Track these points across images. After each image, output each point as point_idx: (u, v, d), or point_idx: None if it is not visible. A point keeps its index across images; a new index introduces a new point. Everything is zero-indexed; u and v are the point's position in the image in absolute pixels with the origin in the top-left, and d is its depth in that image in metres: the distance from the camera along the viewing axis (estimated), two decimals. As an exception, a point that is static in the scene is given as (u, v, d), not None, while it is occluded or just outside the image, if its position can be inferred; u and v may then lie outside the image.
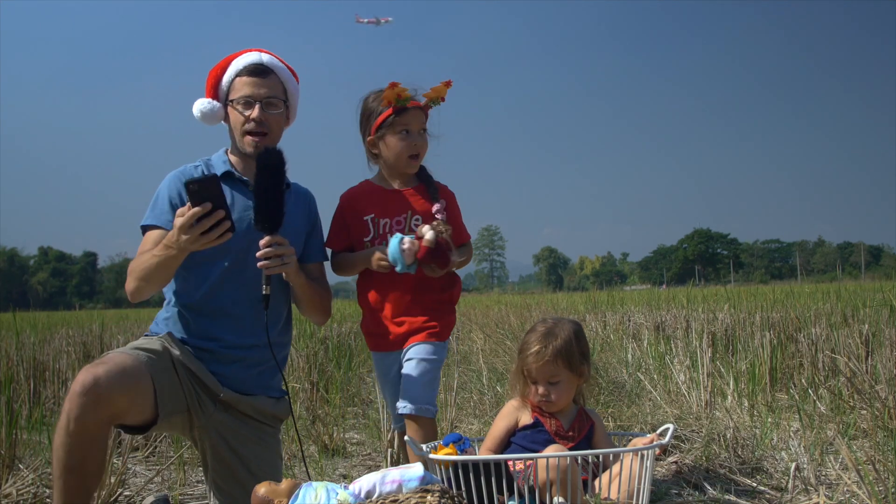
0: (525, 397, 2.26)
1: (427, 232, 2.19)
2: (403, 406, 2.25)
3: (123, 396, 1.81)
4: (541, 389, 2.20)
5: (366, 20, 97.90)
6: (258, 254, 2.01)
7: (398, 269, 2.18)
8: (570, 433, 2.22)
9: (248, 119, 2.16)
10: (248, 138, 2.17)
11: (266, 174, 2.02)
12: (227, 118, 2.24)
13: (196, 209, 1.80)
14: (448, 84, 2.36)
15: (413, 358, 2.30)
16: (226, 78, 2.21)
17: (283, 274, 2.09)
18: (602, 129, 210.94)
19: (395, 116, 2.32)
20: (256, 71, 2.19)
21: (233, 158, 2.26)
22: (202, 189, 1.78)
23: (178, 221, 1.85)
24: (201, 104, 2.20)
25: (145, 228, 2.14)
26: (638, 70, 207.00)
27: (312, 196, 2.38)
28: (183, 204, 2.10)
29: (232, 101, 2.19)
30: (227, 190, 2.15)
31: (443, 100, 2.37)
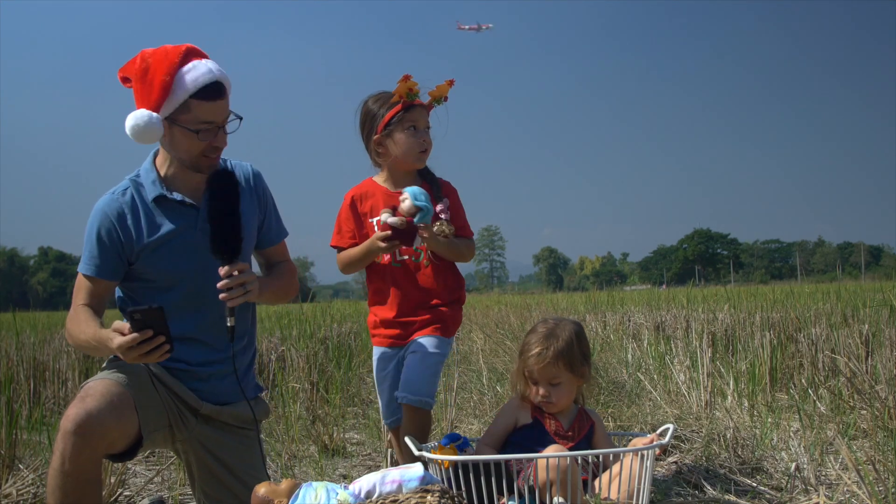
0: (525, 398, 2.26)
1: (388, 218, 2.27)
2: (403, 396, 2.28)
3: (115, 427, 1.78)
4: (541, 390, 2.20)
5: (467, 27, 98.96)
6: (219, 285, 1.91)
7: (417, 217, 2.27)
8: (570, 433, 2.22)
9: (208, 145, 1.99)
10: (206, 160, 2.01)
11: (219, 200, 1.93)
12: (166, 134, 1.98)
13: (136, 336, 1.74)
14: (451, 83, 2.39)
15: (417, 351, 2.33)
16: (176, 96, 1.92)
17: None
18: (602, 129, 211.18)
19: (404, 113, 2.36)
20: (216, 93, 1.96)
21: (165, 174, 2.06)
22: (144, 318, 1.75)
23: (118, 341, 1.74)
24: (140, 118, 1.90)
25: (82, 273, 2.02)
26: (638, 70, 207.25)
27: (258, 173, 2.20)
28: (112, 241, 2.01)
29: (185, 124, 1.95)
30: (162, 215, 2.04)
31: (445, 99, 2.41)
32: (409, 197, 2.28)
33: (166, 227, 2.04)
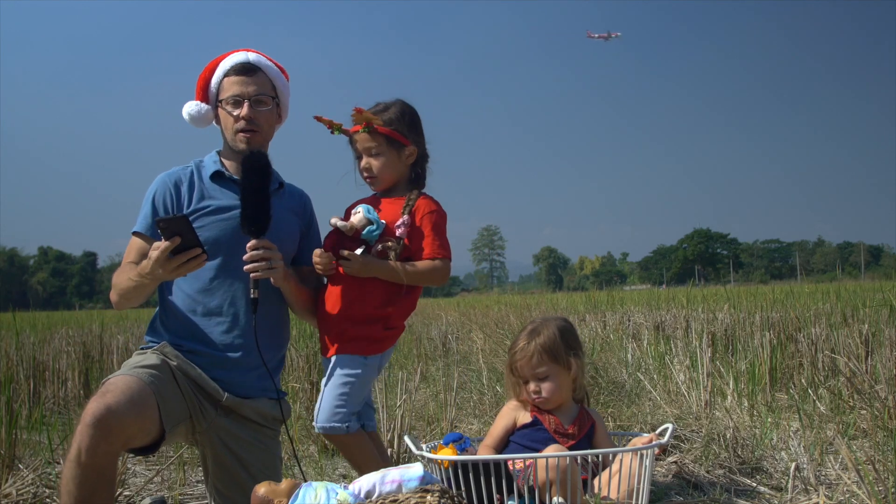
0: (519, 397, 2.26)
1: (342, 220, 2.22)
2: (315, 424, 2.17)
3: (134, 422, 1.81)
4: (531, 386, 2.21)
5: (597, 35, 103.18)
6: (245, 257, 2.03)
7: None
8: (570, 431, 2.22)
9: (237, 118, 2.16)
10: (240, 135, 2.16)
11: (251, 177, 2.04)
12: (217, 119, 2.24)
13: (166, 244, 1.87)
14: (356, 110, 2.23)
15: (330, 374, 2.19)
16: (214, 79, 2.21)
17: (271, 279, 2.07)
18: (602, 128, 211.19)
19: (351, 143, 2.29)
20: (244, 69, 2.19)
21: (225, 161, 2.25)
22: (171, 226, 1.87)
23: (153, 255, 1.89)
24: (189, 107, 2.21)
25: (134, 233, 2.17)
26: (638, 70, 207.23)
27: (307, 197, 2.37)
28: (164, 204, 2.16)
29: (221, 101, 2.19)
30: (217, 189, 2.20)
31: (369, 123, 2.21)
32: (363, 210, 2.18)
33: (215, 201, 2.19)
